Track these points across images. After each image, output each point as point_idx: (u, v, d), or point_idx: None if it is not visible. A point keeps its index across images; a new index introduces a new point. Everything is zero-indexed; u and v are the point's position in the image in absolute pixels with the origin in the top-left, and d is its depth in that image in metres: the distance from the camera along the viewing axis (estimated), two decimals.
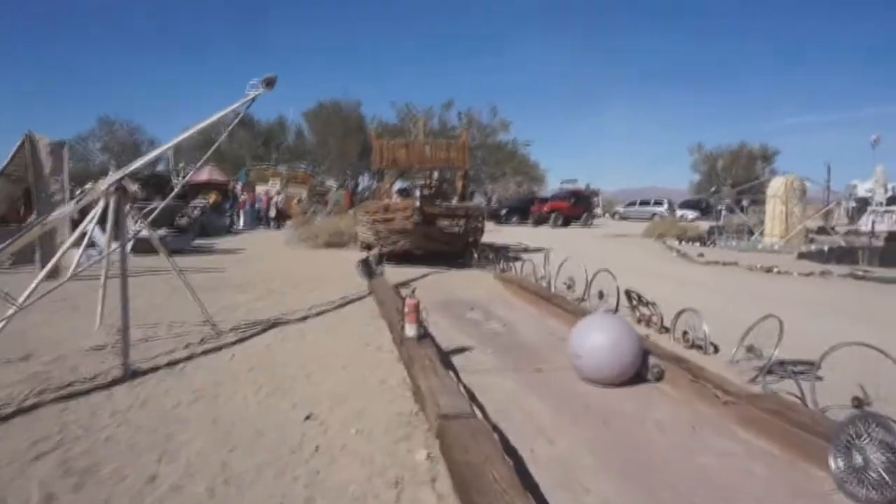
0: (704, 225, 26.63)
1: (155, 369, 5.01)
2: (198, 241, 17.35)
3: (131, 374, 4.78)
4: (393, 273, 10.83)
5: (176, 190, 6.84)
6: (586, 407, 4.27)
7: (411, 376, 4.52)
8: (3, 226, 12.68)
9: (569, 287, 8.58)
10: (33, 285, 4.92)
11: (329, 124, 45.75)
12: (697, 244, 19.61)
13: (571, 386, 4.72)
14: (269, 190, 31.35)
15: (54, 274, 5.45)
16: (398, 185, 25.40)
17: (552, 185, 50.66)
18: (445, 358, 5.20)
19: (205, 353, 5.58)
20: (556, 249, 13.43)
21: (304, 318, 7.18)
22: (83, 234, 5.52)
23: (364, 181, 51.07)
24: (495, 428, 3.67)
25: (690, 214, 37.37)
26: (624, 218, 42.33)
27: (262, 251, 16.62)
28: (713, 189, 33.23)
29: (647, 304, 6.59)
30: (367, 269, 9.22)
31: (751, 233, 20.52)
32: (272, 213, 28.44)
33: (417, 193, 12.42)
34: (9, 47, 63.68)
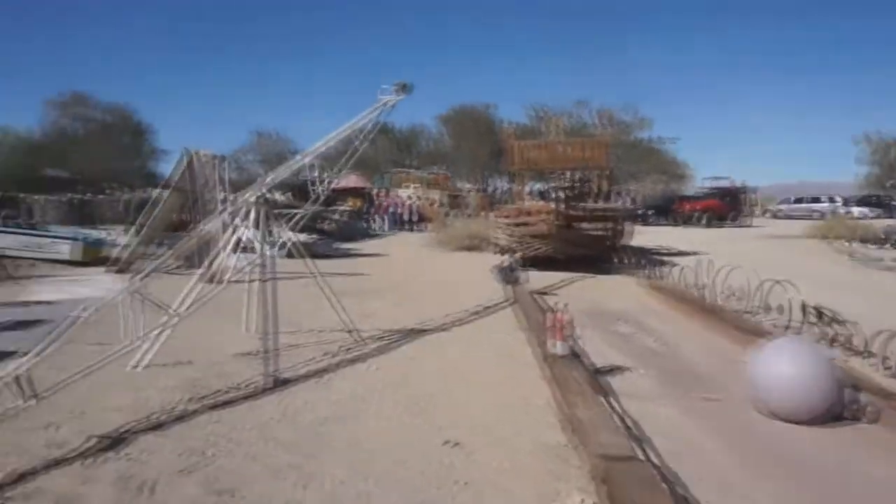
0: (881, 224, 23.24)
1: (298, 379, 5.00)
2: (340, 245, 18.03)
3: (276, 383, 4.80)
4: (532, 278, 10.38)
5: (318, 198, 6.94)
6: (776, 452, 3.57)
7: (563, 402, 4.07)
8: (173, 233, 13.89)
9: (730, 297, 7.64)
10: (187, 289, 5.11)
11: (463, 128, 46.17)
12: (878, 246, 17.04)
13: (753, 422, 4.01)
14: (408, 194, 32.08)
15: (212, 278, 5.71)
16: (534, 187, 24.86)
17: (698, 184, 47.23)
18: (597, 380, 4.69)
19: (346, 362, 5.53)
20: (709, 253, 12.23)
21: (444, 327, 6.97)
22: (236, 241, 5.71)
23: (498, 183, 50.92)
24: (666, 474, 3.13)
25: (866, 212, 32.90)
26: (782, 216, 38.36)
27: (401, 255, 16.89)
28: (890, 182, 28.89)
29: (837, 322, 5.59)
30: (506, 275, 8.87)
31: None
32: (410, 217, 29.04)
33: (556, 196, 11.87)
34: (181, 73, 71.52)
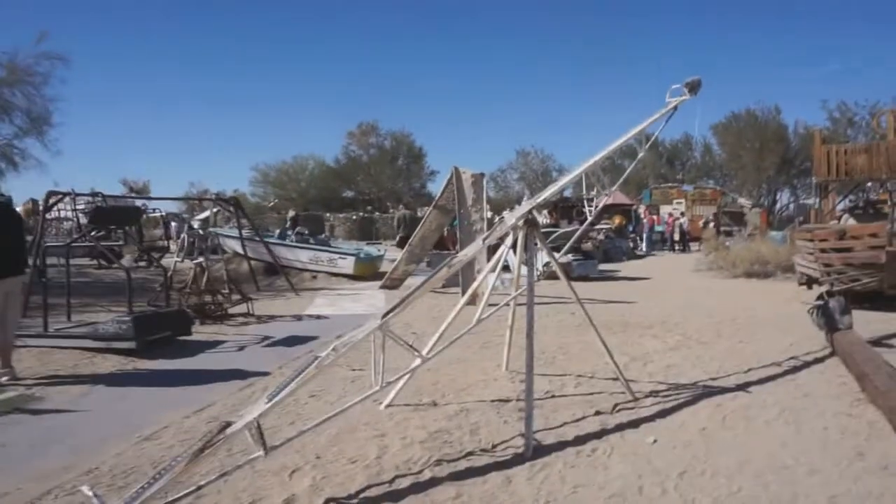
0: None
1: (560, 446, 4.03)
2: (602, 267, 16.78)
3: (533, 450, 3.89)
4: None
5: (590, 219, 5.98)
6: None
7: None
8: (438, 251, 14.20)
9: None
10: (444, 327, 4.56)
11: (742, 136, 41.19)
12: None
13: None
14: (674, 211, 29.55)
15: (473, 300, 5.19)
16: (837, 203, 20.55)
17: None
18: None
19: (619, 427, 4.40)
20: None
21: (743, 387, 5.38)
22: (498, 262, 5.08)
23: (783, 198, 44.45)
24: None
25: None
26: None
27: (670, 279, 15.04)
28: None
29: None
30: (829, 317, 6.78)
31: None
32: (676, 236, 26.54)
33: (892, 212, 9.05)
34: (448, 96, 77.40)
